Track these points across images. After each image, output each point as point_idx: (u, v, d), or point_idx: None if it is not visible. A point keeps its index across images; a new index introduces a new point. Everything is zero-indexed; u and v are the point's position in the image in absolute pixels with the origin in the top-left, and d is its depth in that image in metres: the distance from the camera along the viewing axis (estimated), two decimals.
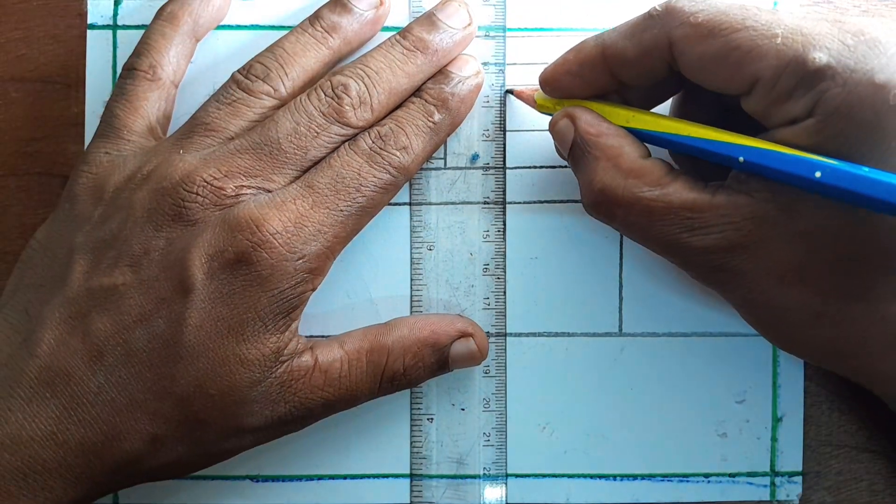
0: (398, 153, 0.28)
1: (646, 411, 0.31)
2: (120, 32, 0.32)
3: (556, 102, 0.29)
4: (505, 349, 0.32)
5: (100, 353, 0.26)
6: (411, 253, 0.32)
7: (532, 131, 0.31)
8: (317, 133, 0.28)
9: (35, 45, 0.33)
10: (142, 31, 0.31)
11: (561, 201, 0.32)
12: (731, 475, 0.32)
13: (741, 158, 0.24)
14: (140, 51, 0.30)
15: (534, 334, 0.32)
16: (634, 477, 0.32)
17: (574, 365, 0.32)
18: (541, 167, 0.32)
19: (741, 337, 0.32)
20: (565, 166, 0.31)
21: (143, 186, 0.28)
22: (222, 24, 0.32)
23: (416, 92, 0.30)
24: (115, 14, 0.32)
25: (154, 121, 0.30)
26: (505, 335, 0.31)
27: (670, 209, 0.26)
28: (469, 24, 0.30)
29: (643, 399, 0.32)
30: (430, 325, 0.30)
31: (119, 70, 0.32)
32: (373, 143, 0.28)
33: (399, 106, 0.30)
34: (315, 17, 0.30)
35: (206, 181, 0.27)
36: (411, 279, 0.31)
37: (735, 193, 0.25)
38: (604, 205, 0.27)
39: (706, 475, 0.32)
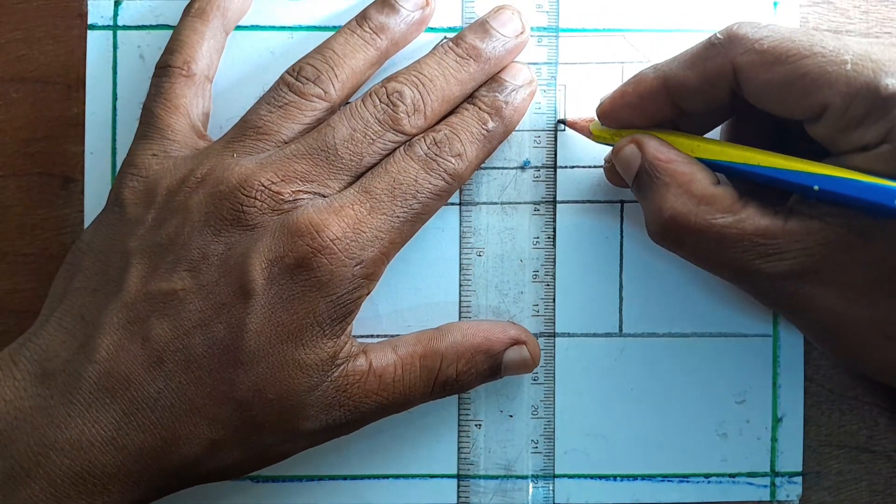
0: (453, 160, 0.28)
1: (646, 411, 0.31)
2: (120, 32, 0.32)
3: (614, 133, 0.29)
4: (554, 356, 0.31)
5: (159, 358, 0.26)
6: (460, 259, 0.32)
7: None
8: (372, 140, 0.28)
9: (35, 45, 0.33)
10: (142, 32, 0.31)
11: (561, 202, 0.32)
12: (732, 475, 0.32)
13: (816, 187, 0.24)
14: (173, 48, 0.30)
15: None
16: (634, 477, 0.32)
17: (574, 365, 0.32)
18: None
19: (741, 337, 0.32)
20: (565, 166, 0.31)
21: (199, 190, 0.27)
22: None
23: (470, 98, 0.30)
24: (115, 14, 0.32)
25: (195, 117, 0.30)
26: (554, 336, 0.31)
27: (743, 236, 0.25)
28: (522, 33, 0.30)
29: (643, 399, 0.31)
30: (482, 331, 0.30)
31: (119, 70, 0.32)
32: (428, 149, 0.28)
33: (452, 112, 0.30)
34: (363, 18, 0.30)
35: (263, 185, 0.27)
36: (460, 285, 0.31)
37: (808, 219, 0.25)
38: (673, 232, 0.26)
39: (706, 475, 0.32)
